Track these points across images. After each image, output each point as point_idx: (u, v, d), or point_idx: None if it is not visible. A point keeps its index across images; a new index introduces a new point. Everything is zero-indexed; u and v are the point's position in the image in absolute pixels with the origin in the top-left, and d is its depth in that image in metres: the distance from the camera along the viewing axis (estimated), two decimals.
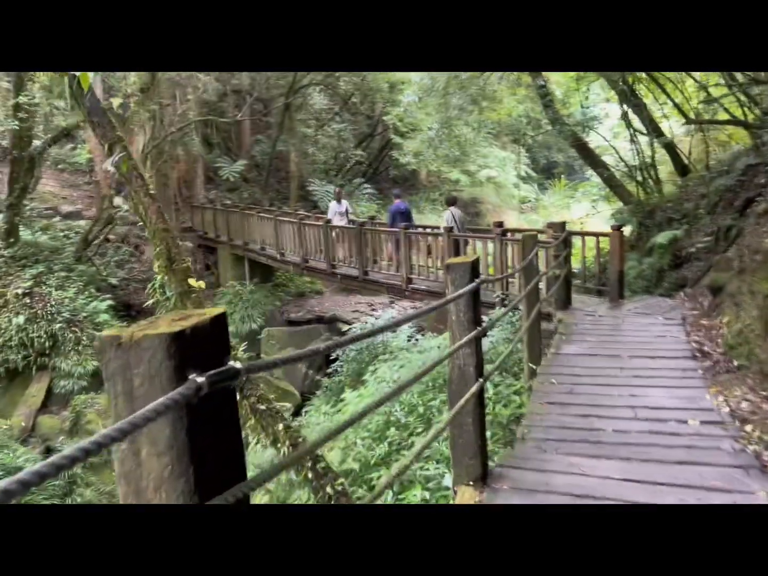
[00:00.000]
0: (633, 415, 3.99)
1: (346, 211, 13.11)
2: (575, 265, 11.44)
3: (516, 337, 5.18)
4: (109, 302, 14.16)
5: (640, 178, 12.21)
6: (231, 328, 15.87)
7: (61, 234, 15.71)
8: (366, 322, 12.00)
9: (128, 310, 16.59)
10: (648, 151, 12.93)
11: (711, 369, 5.42)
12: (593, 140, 17.48)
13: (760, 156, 9.04)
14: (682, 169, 12.67)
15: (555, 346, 6.07)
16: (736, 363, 5.48)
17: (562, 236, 7.08)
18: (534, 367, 5.27)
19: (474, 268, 2.80)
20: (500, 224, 9.76)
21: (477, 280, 2.78)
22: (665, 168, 14.86)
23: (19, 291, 12.49)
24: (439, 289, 9.85)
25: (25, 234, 14.34)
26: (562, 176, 25.72)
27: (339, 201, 13.28)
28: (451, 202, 11.05)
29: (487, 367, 6.33)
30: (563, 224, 7.35)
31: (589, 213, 14.37)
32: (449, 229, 9.60)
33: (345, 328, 15.63)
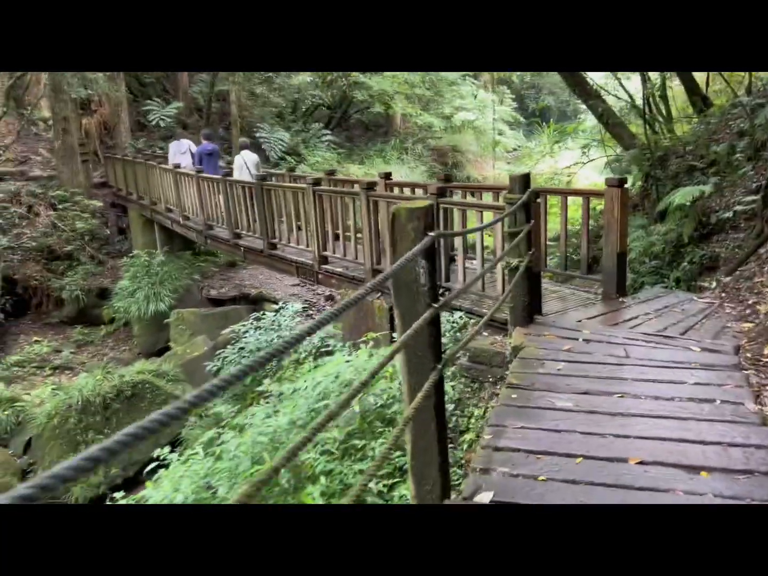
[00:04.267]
0: None
1: (189, 150, 12.03)
2: (554, 232, 8.37)
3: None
4: None
5: (647, 114, 8.98)
6: (132, 309, 12.78)
7: None
8: (264, 313, 8.93)
9: (13, 287, 13.46)
10: (658, 79, 9.68)
11: None
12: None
13: None
14: (702, 101, 9.46)
15: (495, 420, 3.05)
16: None
17: (521, 199, 3.96)
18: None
19: None
20: (387, 175, 7.00)
21: None
22: (678, 104, 11.59)
23: None
24: (361, 274, 6.79)
25: None
26: (551, 120, 22.25)
27: (178, 140, 12.49)
28: (243, 146, 10.78)
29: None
30: (525, 177, 4.20)
31: (577, 161, 11.10)
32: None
33: (273, 308, 12.62)
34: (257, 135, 21.19)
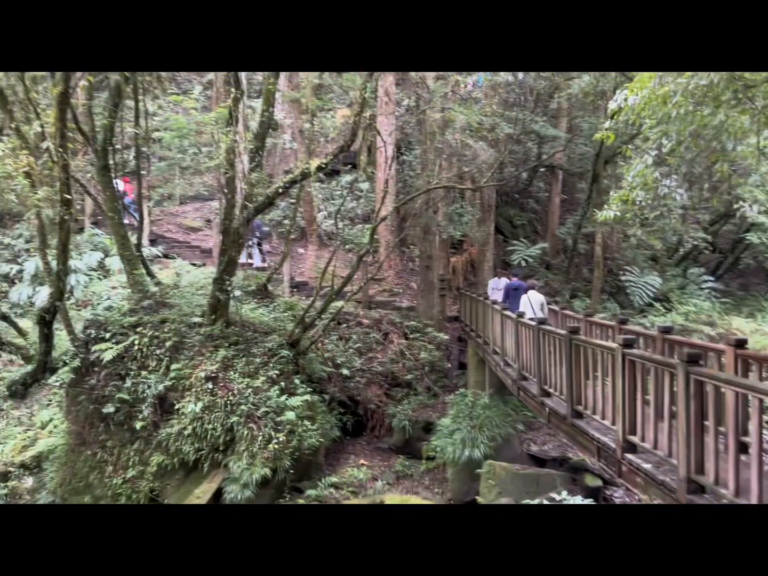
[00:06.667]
0: None
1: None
2: None
3: None
4: (307, 397, 11.94)
5: None
6: (449, 450, 12.08)
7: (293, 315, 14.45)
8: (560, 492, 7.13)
9: (355, 407, 14.31)
10: None
11: None
12: None
13: None
14: None
15: None
16: None
17: None
18: None
19: None
20: (740, 343, 4.69)
21: None
22: None
23: (203, 374, 11.25)
24: (673, 481, 4.77)
25: (252, 313, 13.49)
26: None
27: (498, 278, 12.92)
28: (531, 286, 10.48)
29: None
30: None
31: None
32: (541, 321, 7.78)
33: (593, 483, 10.51)
34: (623, 278, 19.53)
